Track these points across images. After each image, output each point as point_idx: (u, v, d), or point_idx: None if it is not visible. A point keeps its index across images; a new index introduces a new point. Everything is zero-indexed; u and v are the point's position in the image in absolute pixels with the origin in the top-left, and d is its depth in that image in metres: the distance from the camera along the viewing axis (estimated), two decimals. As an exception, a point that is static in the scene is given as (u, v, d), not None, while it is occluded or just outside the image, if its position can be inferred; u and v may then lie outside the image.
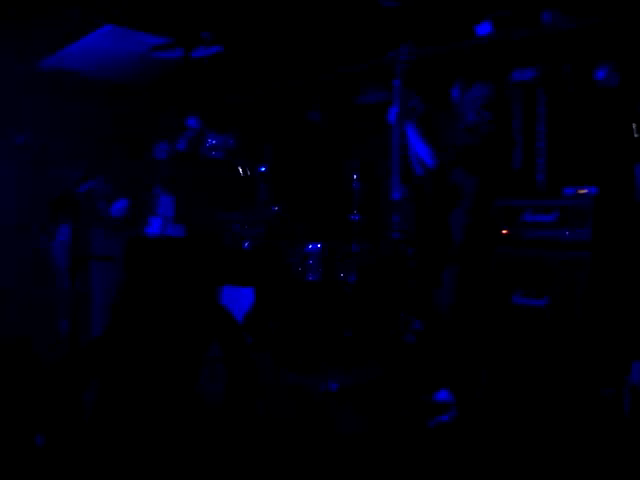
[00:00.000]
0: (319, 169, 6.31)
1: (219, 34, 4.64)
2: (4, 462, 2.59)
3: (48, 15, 4.42)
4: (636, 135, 2.15)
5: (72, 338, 3.69)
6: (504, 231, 3.58)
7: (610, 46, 3.77)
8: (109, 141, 4.56)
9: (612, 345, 1.89)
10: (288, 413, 3.41)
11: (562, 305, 3.12)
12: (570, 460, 2.40)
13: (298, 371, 3.92)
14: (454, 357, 3.36)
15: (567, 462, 2.41)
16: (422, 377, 3.58)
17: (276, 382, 3.80)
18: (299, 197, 5.50)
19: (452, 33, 4.60)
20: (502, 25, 4.43)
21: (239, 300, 4.23)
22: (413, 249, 3.62)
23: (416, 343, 3.77)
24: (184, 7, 4.56)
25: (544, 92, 4.46)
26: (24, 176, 4.49)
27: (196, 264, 4.12)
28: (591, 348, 1.90)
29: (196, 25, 4.64)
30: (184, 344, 3.69)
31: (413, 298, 3.88)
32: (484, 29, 4.48)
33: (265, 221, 4.69)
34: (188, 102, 6.22)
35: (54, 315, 4.09)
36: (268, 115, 6.29)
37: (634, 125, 2.89)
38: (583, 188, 3.33)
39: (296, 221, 4.91)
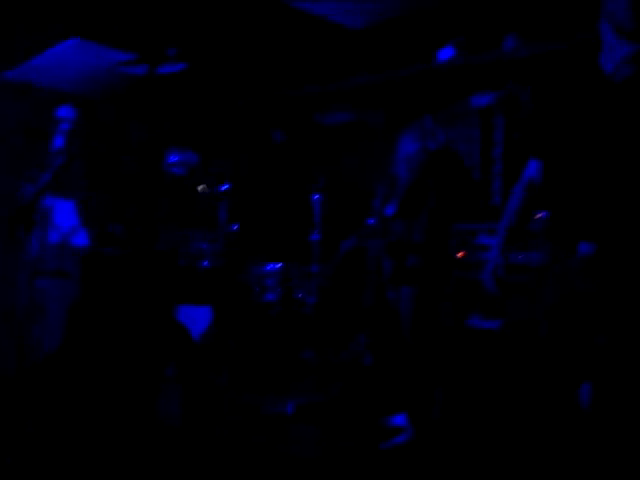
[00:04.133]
0: (281, 188, 6.32)
1: (185, 51, 4.65)
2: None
3: (12, 27, 4.38)
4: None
5: (23, 354, 3.61)
6: (460, 254, 3.63)
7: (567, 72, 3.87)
8: (73, 155, 4.49)
9: (564, 367, 1.95)
10: (244, 433, 3.38)
11: (515, 328, 3.17)
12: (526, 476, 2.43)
13: (255, 391, 3.89)
14: (411, 378, 3.37)
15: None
16: (379, 398, 3.59)
17: (233, 402, 3.77)
18: (260, 216, 5.50)
19: (415, 57, 4.68)
20: (464, 50, 4.52)
21: (197, 319, 4.20)
22: (372, 271, 3.64)
23: (374, 364, 3.78)
24: (150, 23, 4.56)
25: (502, 117, 4.54)
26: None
27: (153, 282, 4.09)
28: (543, 370, 1.96)
29: (162, 41, 4.64)
30: (141, 362, 3.65)
31: (372, 320, 3.90)
32: (446, 54, 4.57)
33: (225, 240, 4.67)
34: (153, 117, 6.21)
35: (11, 329, 4.00)
36: (231, 133, 6.29)
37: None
38: (537, 212, 3.39)
39: (256, 240, 4.90)
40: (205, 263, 4.51)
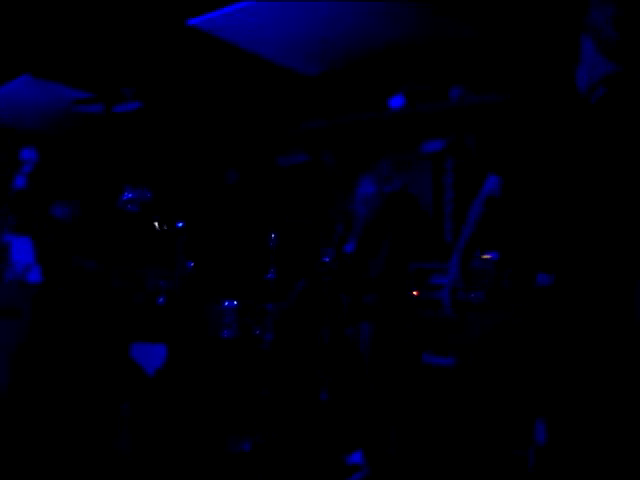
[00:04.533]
0: (237, 227, 6.36)
1: (140, 90, 4.69)
2: None
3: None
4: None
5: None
6: (415, 292, 3.76)
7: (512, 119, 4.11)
8: (32, 194, 4.43)
9: (518, 405, 1.98)
10: (202, 473, 3.35)
11: (467, 365, 3.28)
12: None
13: (212, 430, 3.85)
14: (368, 415, 3.42)
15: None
16: (336, 435, 3.62)
17: (189, 440, 3.72)
18: (217, 254, 5.52)
19: (367, 105, 4.88)
20: (414, 99, 4.74)
21: (152, 356, 4.15)
22: (329, 308, 3.71)
23: (331, 401, 3.82)
24: (106, 62, 4.59)
25: (451, 161, 4.76)
26: None
27: (107, 319, 4.03)
28: (497, 407, 1.99)
29: (118, 80, 4.68)
30: (94, 401, 3.58)
31: (329, 356, 3.95)
32: (397, 102, 4.78)
33: (181, 277, 4.66)
34: (108, 154, 6.18)
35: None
36: (187, 171, 6.33)
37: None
38: (487, 253, 3.56)
39: (213, 278, 4.91)
40: (161, 300, 4.48)
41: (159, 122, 5.73)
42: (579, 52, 1.86)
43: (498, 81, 4.28)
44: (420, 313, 3.62)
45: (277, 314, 4.27)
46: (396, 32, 4.00)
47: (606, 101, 1.81)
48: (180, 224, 4.82)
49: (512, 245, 2.03)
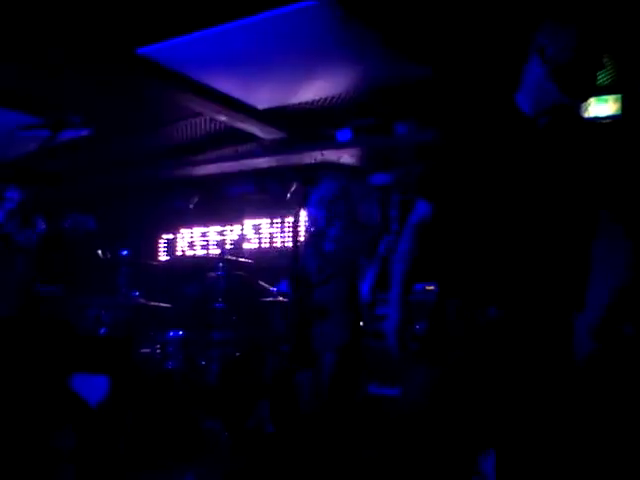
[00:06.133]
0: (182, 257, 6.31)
1: (88, 117, 4.63)
2: None
3: None
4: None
5: None
6: (361, 323, 3.78)
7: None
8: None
9: (464, 435, 1.96)
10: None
11: (412, 397, 3.32)
12: None
13: (155, 464, 3.76)
14: (311, 447, 3.40)
15: None
16: (282, 468, 3.58)
17: (131, 477, 3.62)
18: (161, 283, 5.45)
19: (317, 137, 4.96)
20: (361, 133, 4.85)
21: (93, 388, 4.03)
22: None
23: (276, 433, 3.78)
24: (54, 89, 4.54)
25: (396, 195, 4.87)
26: None
27: (47, 350, 3.91)
28: (442, 440, 1.96)
29: (64, 107, 4.61)
30: (32, 433, 3.45)
31: (273, 387, 3.93)
32: (344, 136, 4.88)
33: (124, 307, 4.58)
34: (52, 180, 6.05)
35: None
36: (135, 198, 6.26)
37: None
38: (430, 284, 3.63)
39: (158, 307, 4.84)
40: (103, 330, 4.38)
41: (107, 149, 5.68)
42: (522, 76, 1.86)
43: (442, 116, 4.41)
44: (368, 344, 3.65)
45: (223, 344, 4.23)
46: (346, 70, 4.10)
47: (552, 127, 1.83)
48: (124, 252, 4.75)
49: (453, 275, 1.99)
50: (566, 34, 1.76)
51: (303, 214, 3.57)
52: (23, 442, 3.28)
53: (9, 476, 3.14)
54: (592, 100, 4.02)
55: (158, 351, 4.41)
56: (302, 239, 3.79)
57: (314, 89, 4.40)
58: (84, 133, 5.03)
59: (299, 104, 4.65)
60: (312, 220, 3.51)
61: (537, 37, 1.80)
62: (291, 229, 3.62)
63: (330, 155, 5.00)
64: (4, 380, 3.52)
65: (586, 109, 4.01)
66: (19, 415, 3.48)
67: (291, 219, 5.57)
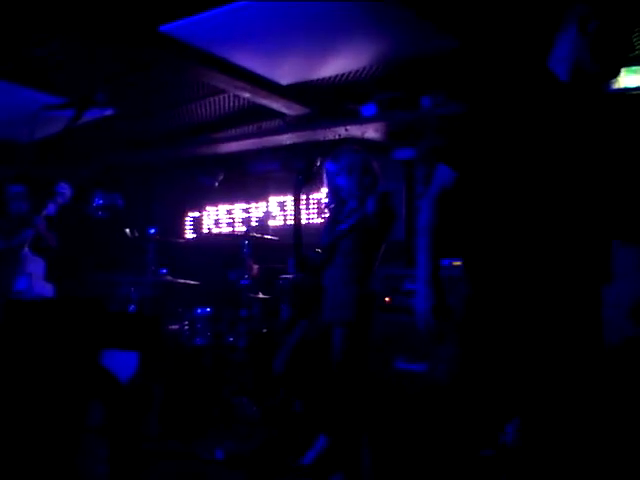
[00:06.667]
0: (209, 233, 6.35)
1: (113, 95, 4.64)
2: None
3: None
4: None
5: None
6: (387, 299, 3.79)
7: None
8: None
9: (488, 408, 1.95)
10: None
11: (440, 370, 3.32)
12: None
13: (184, 439, 3.83)
14: (339, 423, 3.43)
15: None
16: (308, 443, 3.62)
17: (161, 449, 3.69)
18: (189, 260, 5.50)
19: (341, 112, 4.91)
20: (386, 107, 4.79)
21: (123, 364, 4.10)
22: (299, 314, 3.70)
23: (304, 410, 3.81)
24: (78, 67, 4.55)
25: (422, 169, 4.83)
26: None
27: (78, 327, 3.98)
28: (469, 412, 1.97)
29: (89, 85, 4.63)
30: (65, 410, 3.53)
31: (300, 363, 3.95)
32: (369, 110, 4.82)
33: (153, 284, 4.63)
34: (76, 160, 6.11)
35: None
36: (160, 176, 6.31)
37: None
38: (458, 260, 3.60)
39: (186, 284, 4.89)
40: (132, 307, 4.45)
41: (133, 126, 5.70)
42: (556, 44, 1.86)
43: (470, 88, 4.33)
44: (393, 319, 3.65)
45: (250, 321, 4.27)
46: (371, 43, 4.03)
47: (583, 97, 1.82)
48: (152, 230, 4.79)
49: (477, 250, 1.94)
50: (605, 6, 1.77)
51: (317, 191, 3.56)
52: (56, 417, 3.36)
53: (44, 450, 3.22)
54: (622, 71, 3.95)
55: (186, 328, 4.47)
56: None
57: (338, 63, 4.34)
58: (108, 112, 5.05)
59: (323, 79, 4.59)
60: (332, 193, 3.50)
61: (576, 7, 1.81)
62: (294, 207, 3.57)
63: (354, 130, 4.95)
64: (39, 356, 3.60)
65: (616, 80, 3.93)
66: (52, 390, 3.56)
67: (316, 195, 5.58)
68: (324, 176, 3.51)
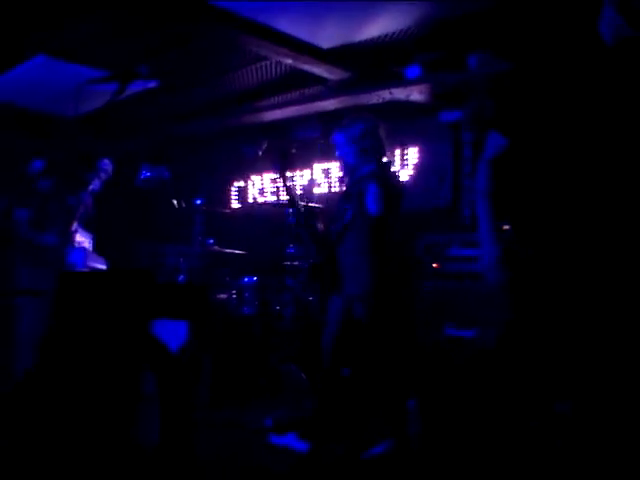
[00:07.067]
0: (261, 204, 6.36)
1: (157, 68, 4.65)
2: None
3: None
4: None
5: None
6: (435, 265, 3.72)
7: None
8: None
9: (538, 377, 1.94)
10: (223, 450, 3.38)
11: (489, 336, 3.27)
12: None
13: (233, 406, 3.89)
14: (388, 389, 3.42)
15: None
16: (359, 410, 3.63)
17: (211, 418, 3.77)
18: (235, 230, 5.53)
19: (385, 75, 4.80)
20: (430, 69, 4.65)
21: (174, 333, 4.18)
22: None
23: (352, 375, 3.82)
24: (120, 40, 4.56)
25: (469, 133, 4.68)
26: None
27: (128, 298, 4.06)
28: (517, 378, 1.96)
29: (132, 58, 4.64)
30: (118, 379, 3.61)
31: (347, 332, 3.95)
32: (413, 72, 4.70)
33: (201, 254, 4.68)
34: (122, 134, 6.18)
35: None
36: (205, 148, 6.32)
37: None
38: (505, 224, 3.51)
39: (233, 254, 4.93)
40: (181, 278, 4.51)
41: (179, 99, 5.71)
42: (602, 7, 1.80)
43: (516, 48, 4.17)
44: (440, 285, 3.59)
45: (297, 289, 4.27)
46: (412, 4, 3.90)
47: (628, 60, 1.76)
48: (198, 201, 4.83)
49: (527, 218, 1.95)
50: None
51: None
52: (111, 386, 3.44)
53: (102, 419, 3.31)
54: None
55: (234, 297, 4.52)
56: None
57: (379, 24, 4.22)
58: (152, 85, 5.06)
59: (365, 41, 4.48)
60: (343, 165, 3.43)
61: None
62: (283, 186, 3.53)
63: (398, 93, 4.83)
64: (92, 327, 3.69)
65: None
66: (107, 360, 3.65)
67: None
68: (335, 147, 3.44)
